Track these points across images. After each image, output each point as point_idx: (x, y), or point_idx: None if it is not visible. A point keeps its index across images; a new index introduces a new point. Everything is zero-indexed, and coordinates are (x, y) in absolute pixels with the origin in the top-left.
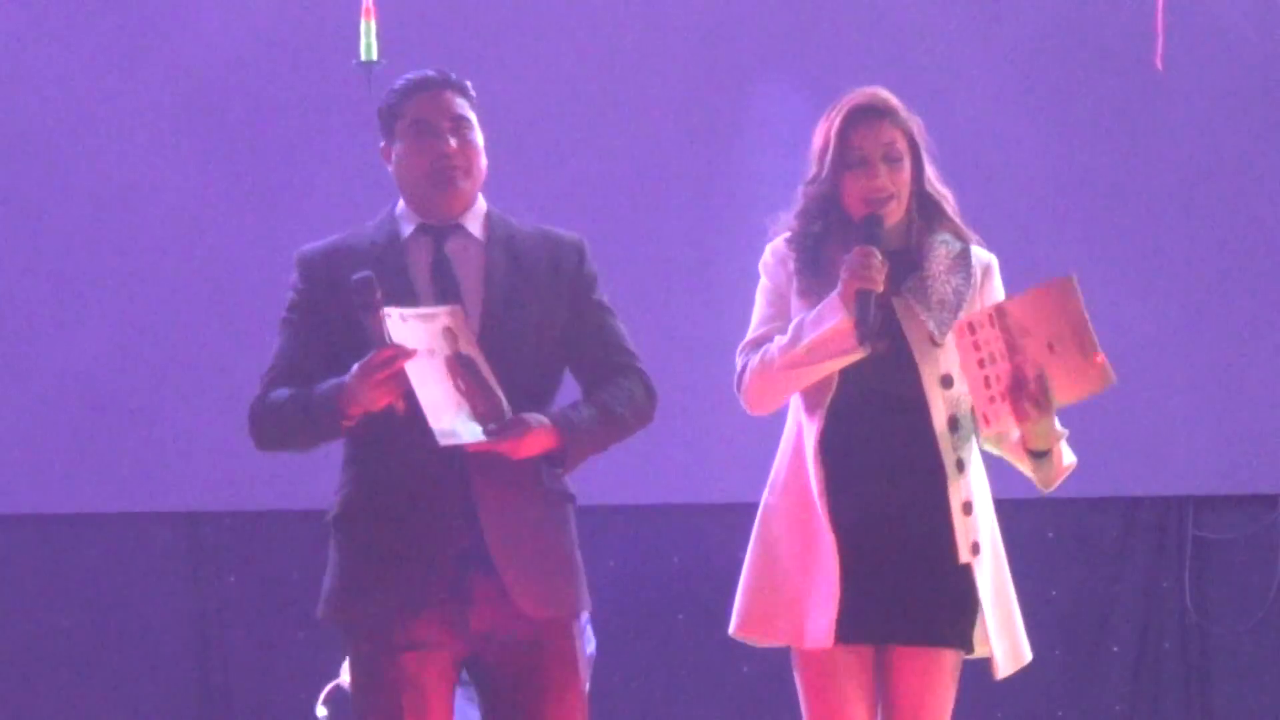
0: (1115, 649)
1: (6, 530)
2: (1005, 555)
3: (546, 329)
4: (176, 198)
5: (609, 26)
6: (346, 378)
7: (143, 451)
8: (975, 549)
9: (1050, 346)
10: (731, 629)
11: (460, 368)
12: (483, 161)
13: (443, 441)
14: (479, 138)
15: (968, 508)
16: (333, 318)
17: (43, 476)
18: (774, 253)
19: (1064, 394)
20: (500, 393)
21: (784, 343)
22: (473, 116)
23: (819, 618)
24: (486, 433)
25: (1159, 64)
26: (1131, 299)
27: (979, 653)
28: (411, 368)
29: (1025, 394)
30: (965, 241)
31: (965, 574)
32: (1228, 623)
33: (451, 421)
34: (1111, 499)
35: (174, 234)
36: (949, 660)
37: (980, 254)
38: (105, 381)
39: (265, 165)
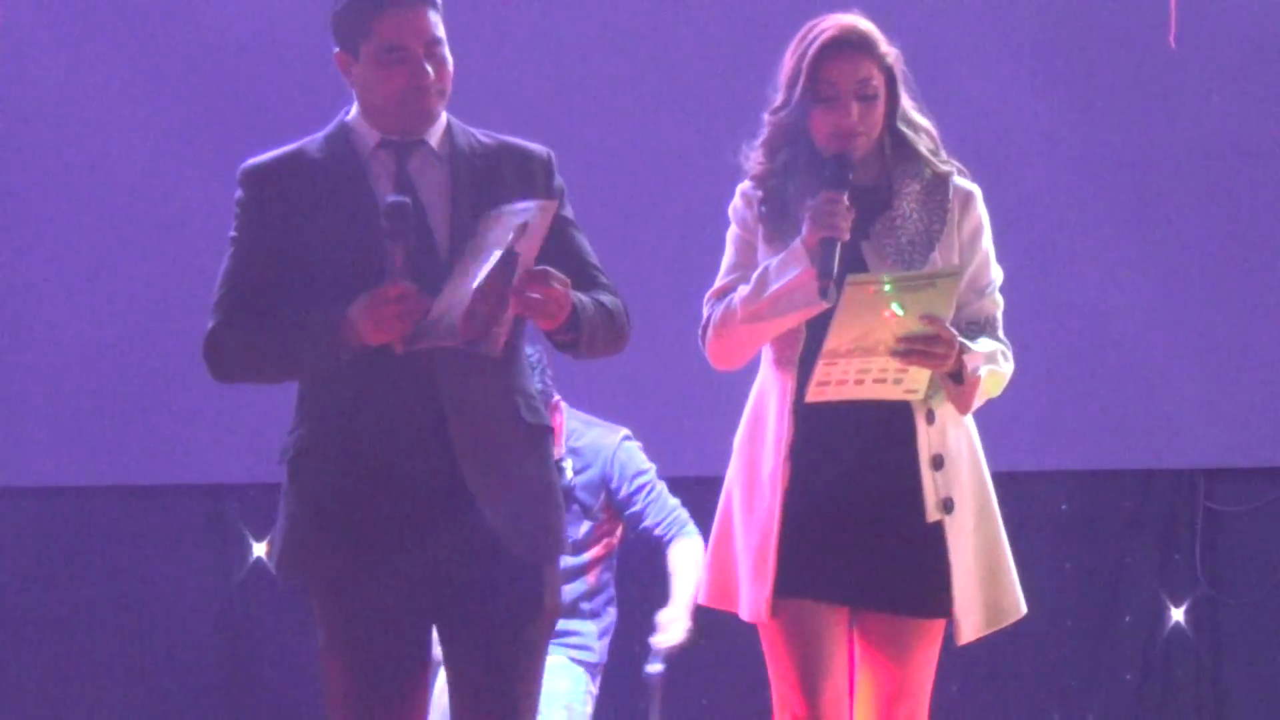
0: (1127, 619)
1: (33, 502)
2: (997, 513)
3: None
4: (206, 173)
5: None
6: (351, 309)
7: (167, 424)
8: (947, 505)
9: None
10: (702, 599)
11: (500, 268)
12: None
13: (409, 345)
14: (449, 56)
15: (938, 461)
16: (288, 233)
17: (67, 449)
18: (743, 196)
19: (934, 321)
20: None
21: (746, 294)
22: (443, 33)
23: (756, 589)
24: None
25: (1172, 42)
26: (1144, 276)
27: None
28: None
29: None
30: (943, 174)
31: (935, 532)
32: (1238, 593)
33: (435, 317)
34: (1125, 471)
35: (197, 210)
36: (925, 630)
37: (961, 185)
38: (131, 354)
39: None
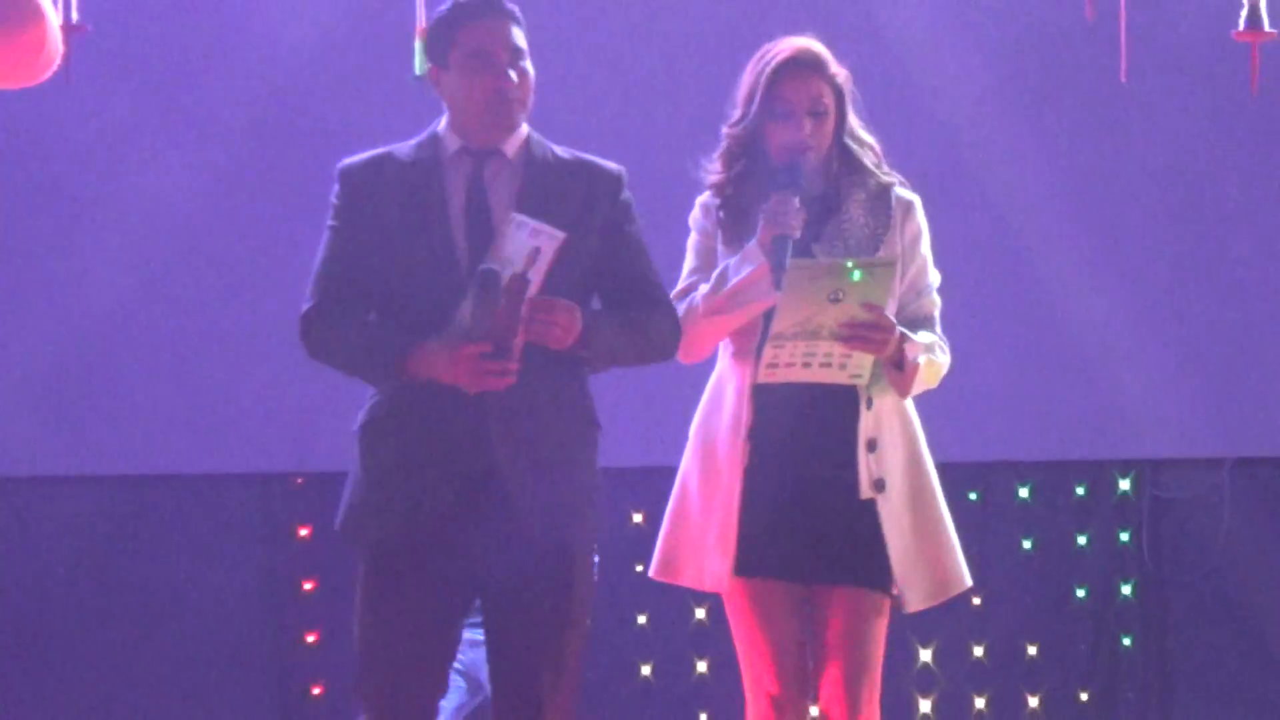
0: (1080, 595)
1: (87, 491)
2: (935, 490)
3: (576, 256)
4: (256, 186)
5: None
6: (427, 349)
7: (217, 415)
8: (879, 485)
9: (833, 301)
10: (650, 572)
11: (486, 285)
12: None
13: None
14: (530, 66)
15: (872, 444)
16: (372, 228)
17: (120, 439)
18: (702, 207)
19: (870, 310)
20: (520, 332)
21: (707, 291)
22: (525, 45)
23: (718, 560)
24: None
25: (1123, 76)
26: (1098, 286)
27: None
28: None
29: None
30: (886, 185)
31: (870, 509)
32: (1180, 572)
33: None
34: (1079, 462)
35: (244, 216)
36: (874, 602)
37: (902, 194)
38: (184, 350)
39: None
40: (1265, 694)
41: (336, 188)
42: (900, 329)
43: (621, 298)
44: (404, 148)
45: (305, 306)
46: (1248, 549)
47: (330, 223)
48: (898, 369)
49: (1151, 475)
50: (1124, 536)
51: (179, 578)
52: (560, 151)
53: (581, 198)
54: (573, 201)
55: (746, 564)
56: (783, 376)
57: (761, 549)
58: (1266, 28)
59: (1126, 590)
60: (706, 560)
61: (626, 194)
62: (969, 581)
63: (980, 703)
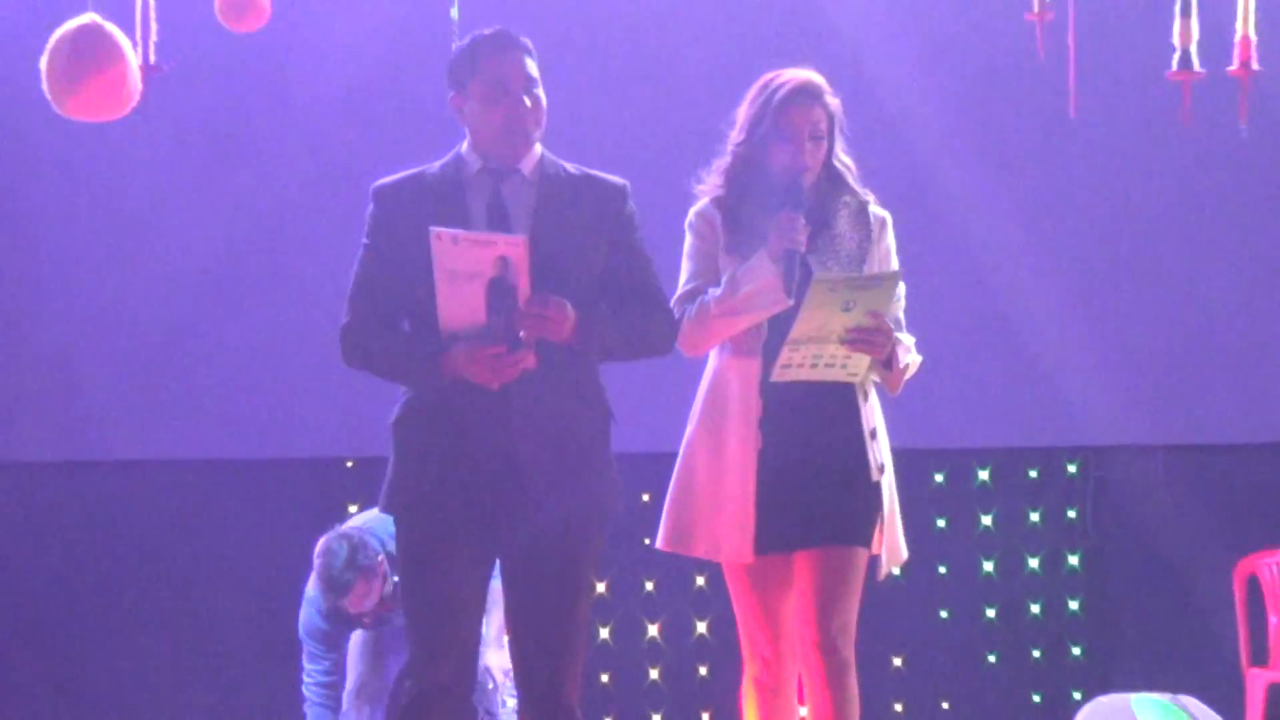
0: (1033, 565)
1: (157, 474)
2: (893, 469)
3: (586, 263)
4: (308, 203)
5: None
6: (455, 352)
7: (275, 406)
8: (881, 469)
9: (845, 310)
10: (657, 543)
11: (496, 293)
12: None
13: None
14: (542, 93)
15: (873, 433)
16: (404, 241)
17: (187, 427)
18: (700, 215)
19: (874, 317)
20: (519, 327)
21: (719, 295)
22: (537, 74)
23: (738, 536)
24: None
25: (1072, 112)
26: (1050, 295)
27: (875, 550)
28: (446, 284)
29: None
30: (864, 202)
31: (875, 489)
32: (1120, 544)
33: (461, 334)
34: (1031, 448)
35: (300, 227)
36: (859, 556)
37: (876, 211)
38: (244, 346)
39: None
40: (1191, 649)
41: (371, 206)
42: (895, 334)
43: (624, 299)
44: (431, 169)
45: (344, 321)
46: (1178, 524)
47: (364, 240)
48: (887, 368)
49: (1095, 460)
50: (1071, 514)
51: (239, 554)
52: (570, 168)
53: (591, 210)
54: (585, 214)
55: (763, 542)
56: (793, 376)
57: (773, 526)
58: (1196, 68)
59: (1074, 560)
60: (722, 535)
61: (630, 205)
62: (906, 554)
63: (945, 658)
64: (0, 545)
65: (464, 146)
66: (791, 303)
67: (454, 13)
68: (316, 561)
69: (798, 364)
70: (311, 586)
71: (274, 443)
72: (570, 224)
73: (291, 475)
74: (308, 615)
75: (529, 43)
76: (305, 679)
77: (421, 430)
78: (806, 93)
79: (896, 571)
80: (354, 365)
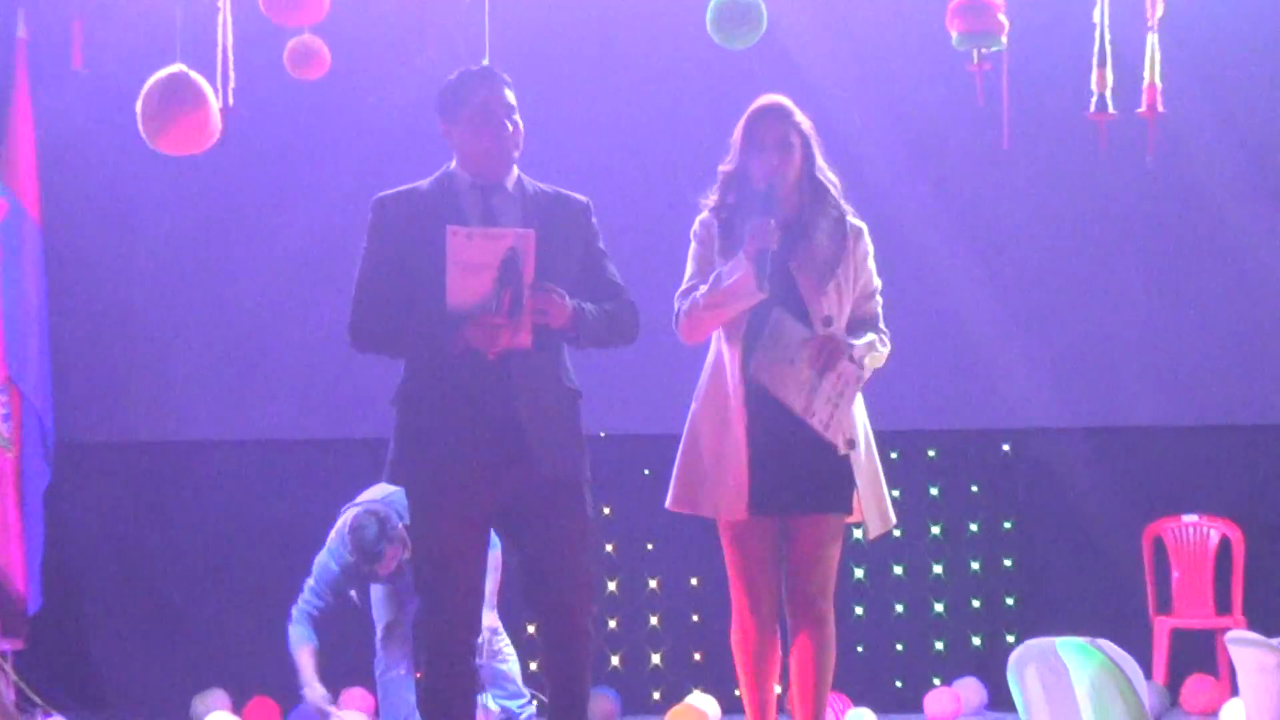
0: (973, 528)
1: (240, 453)
2: (876, 451)
3: (565, 264)
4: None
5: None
6: (463, 327)
7: (327, 391)
8: (851, 444)
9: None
10: (667, 504)
11: (505, 280)
12: (521, 141)
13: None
14: (521, 123)
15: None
16: (402, 244)
17: (268, 409)
18: (702, 224)
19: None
20: (527, 310)
21: (706, 290)
22: (515, 103)
23: (733, 496)
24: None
25: (1005, 144)
26: (991, 302)
27: (858, 518)
28: (458, 274)
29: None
30: (843, 213)
31: (844, 462)
32: (1045, 511)
33: (469, 315)
34: (972, 430)
35: (358, 233)
36: (835, 522)
37: (853, 222)
38: (314, 339)
39: None
40: (1106, 599)
41: (371, 216)
42: (845, 340)
43: (594, 293)
44: (422, 185)
45: (349, 318)
46: (1095, 495)
47: (365, 245)
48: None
49: (1025, 440)
50: (1005, 486)
51: (312, 525)
52: (543, 186)
53: (567, 221)
54: (562, 223)
55: (755, 504)
56: (835, 418)
57: (765, 493)
58: (1110, 110)
59: (1007, 525)
60: (721, 496)
61: (594, 218)
62: (894, 519)
63: (899, 608)
64: (105, 513)
65: (452, 165)
66: (764, 295)
67: (485, 62)
68: (349, 536)
69: (825, 413)
70: (335, 541)
71: (326, 424)
72: (551, 232)
73: (352, 453)
74: (325, 563)
75: (508, 77)
76: (300, 604)
77: (425, 405)
78: (771, 110)
79: (896, 533)
80: (364, 349)
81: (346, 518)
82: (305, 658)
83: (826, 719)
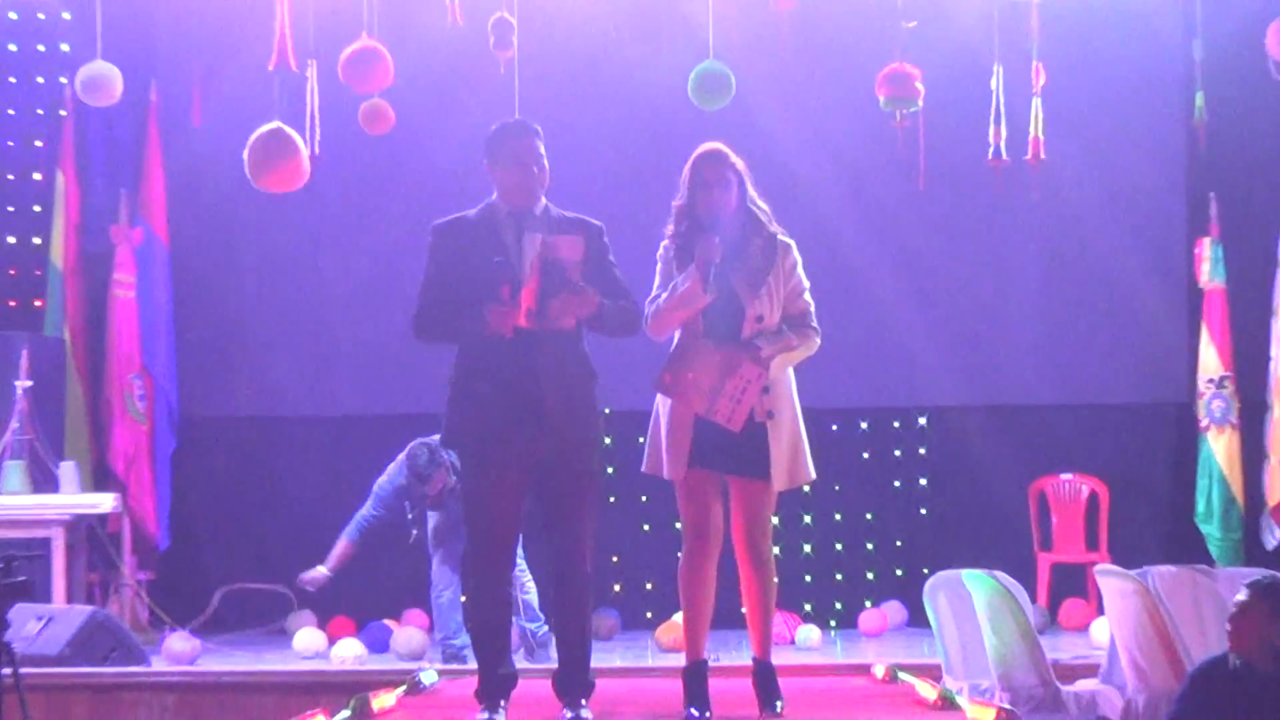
0: (896, 484)
1: (309, 427)
2: (801, 422)
3: (586, 273)
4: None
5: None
6: (486, 313)
7: (394, 374)
8: (770, 414)
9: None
10: (643, 469)
11: (546, 272)
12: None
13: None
14: (547, 164)
15: (766, 389)
16: (452, 260)
17: (352, 389)
18: (665, 248)
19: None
20: (570, 299)
21: (668, 296)
22: (544, 150)
23: (676, 458)
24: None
25: (921, 185)
26: (908, 304)
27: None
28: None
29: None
30: (773, 233)
31: (762, 429)
32: (954, 471)
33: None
34: (896, 407)
35: (414, 253)
36: (762, 484)
37: (782, 239)
38: (372, 335)
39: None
40: (1001, 539)
41: (431, 239)
42: (753, 345)
43: (608, 295)
44: (470, 213)
45: (414, 312)
46: (992, 458)
47: (428, 262)
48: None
49: (937, 415)
50: (922, 450)
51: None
52: (565, 212)
53: (584, 240)
54: (574, 246)
55: (694, 460)
56: (732, 414)
57: (704, 453)
58: (1004, 157)
59: (923, 482)
60: (672, 459)
61: (605, 238)
62: (814, 475)
63: (838, 546)
64: (217, 472)
65: (494, 197)
66: (711, 297)
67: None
68: (405, 460)
69: (727, 410)
70: (394, 469)
71: (388, 402)
72: (568, 249)
73: (404, 425)
74: (383, 483)
75: (539, 128)
76: (356, 516)
77: (471, 384)
78: (712, 153)
79: (805, 488)
80: (423, 338)
81: (410, 448)
82: (339, 548)
83: (780, 634)
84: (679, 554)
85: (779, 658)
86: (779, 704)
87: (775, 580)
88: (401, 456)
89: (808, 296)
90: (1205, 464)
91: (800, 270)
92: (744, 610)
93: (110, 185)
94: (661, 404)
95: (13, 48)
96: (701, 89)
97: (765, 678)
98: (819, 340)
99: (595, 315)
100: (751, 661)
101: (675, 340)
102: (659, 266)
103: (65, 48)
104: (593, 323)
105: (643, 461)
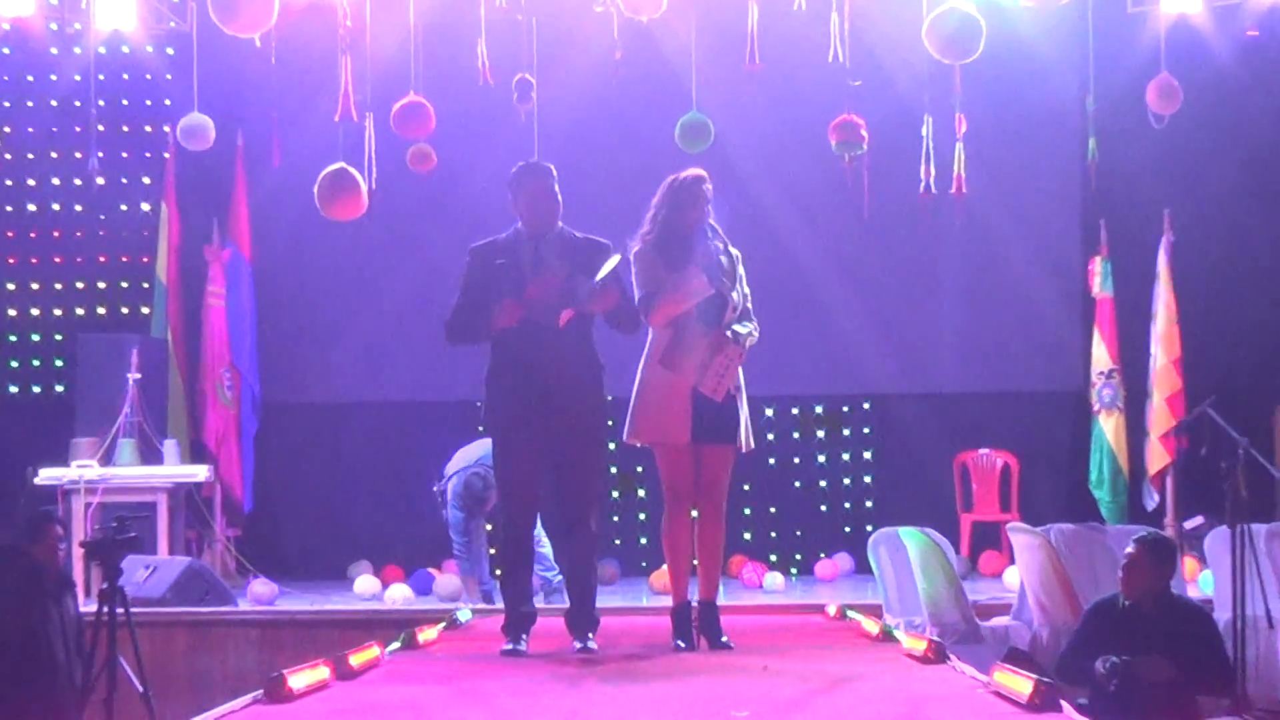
0: (845, 457)
1: (373, 411)
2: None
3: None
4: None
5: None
6: (495, 312)
7: (447, 366)
8: (738, 389)
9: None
10: (624, 438)
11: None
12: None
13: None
14: (560, 197)
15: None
16: (483, 278)
17: (405, 377)
18: (641, 254)
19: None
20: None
21: (671, 291)
22: (557, 186)
23: (680, 430)
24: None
25: (865, 214)
26: (855, 308)
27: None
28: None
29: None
30: (725, 242)
31: (734, 408)
32: (892, 447)
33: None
34: (845, 394)
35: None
36: (730, 450)
37: (732, 250)
38: (423, 331)
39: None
40: (930, 501)
41: (467, 258)
42: (734, 330)
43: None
44: (500, 236)
45: (446, 319)
46: (922, 436)
47: (462, 278)
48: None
49: (879, 402)
50: (866, 430)
51: (423, 456)
52: (577, 233)
53: (595, 255)
54: (593, 256)
55: (694, 434)
56: (718, 381)
57: (691, 427)
58: (933, 191)
59: (867, 455)
60: (671, 428)
61: (616, 254)
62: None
63: (798, 508)
64: (293, 449)
65: (519, 224)
66: (713, 291)
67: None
68: (463, 491)
69: (713, 383)
70: (453, 500)
71: (434, 391)
72: (588, 260)
73: (446, 410)
74: (454, 517)
75: (553, 169)
76: (455, 552)
77: (499, 379)
78: (696, 177)
79: (771, 460)
80: (451, 340)
81: (456, 481)
82: (469, 585)
83: (751, 580)
84: (663, 514)
85: (750, 599)
86: (725, 639)
87: (725, 531)
88: (454, 486)
89: (746, 288)
90: (1097, 440)
91: (743, 271)
92: (696, 562)
93: (204, 214)
94: (652, 380)
95: (125, 102)
96: (686, 135)
97: (712, 616)
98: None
99: (615, 309)
100: (698, 604)
101: (663, 331)
102: (637, 266)
103: (168, 102)
104: (611, 315)
105: (626, 430)
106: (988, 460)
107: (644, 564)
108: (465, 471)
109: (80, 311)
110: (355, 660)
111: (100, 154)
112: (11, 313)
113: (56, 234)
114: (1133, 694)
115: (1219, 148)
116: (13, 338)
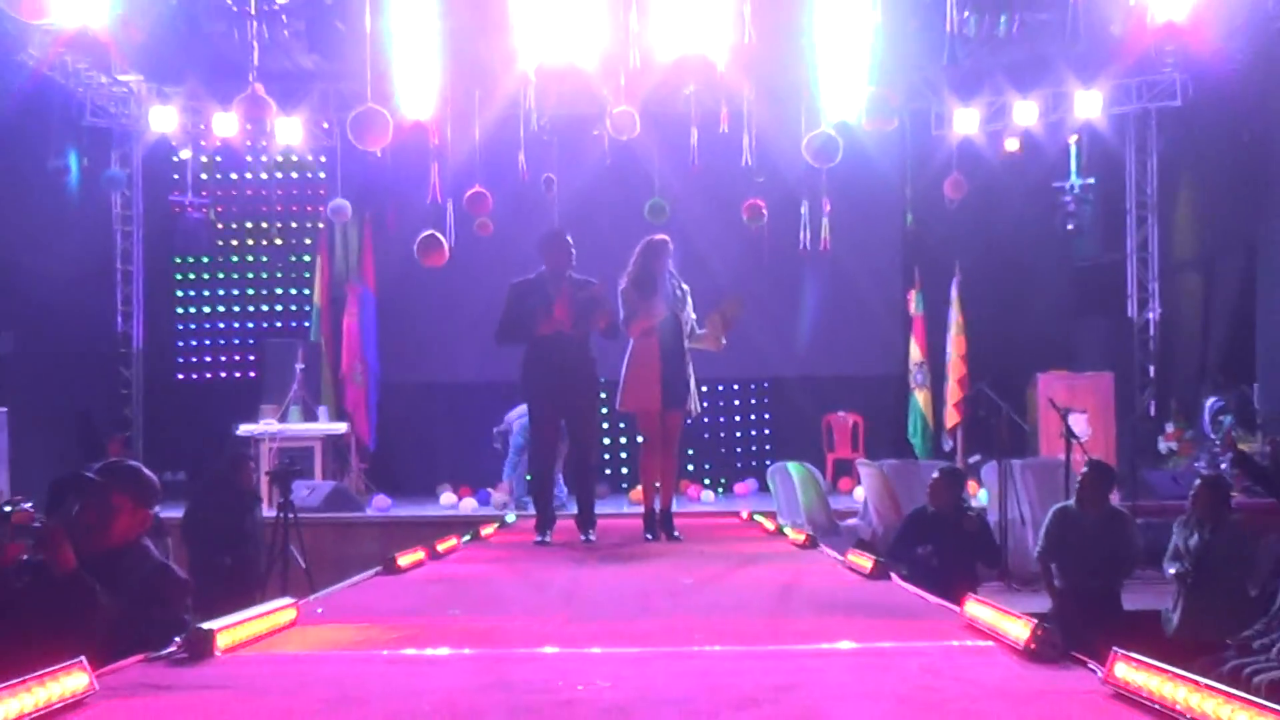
0: (753, 417)
1: (455, 390)
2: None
3: (590, 304)
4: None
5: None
6: (539, 319)
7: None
8: (690, 376)
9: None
10: (617, 407)
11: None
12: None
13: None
14: (573, 250)
15: (691, 366)
16: (518, 300)
17: (456, 361)
18: (624, 290)
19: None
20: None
21: (642, 313)
22: (571, 242)
23: (654, 401)
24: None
25: (826, 246)
26: (767, 310)
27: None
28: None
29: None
30: (679, 282)
31: (686, 383)
32: (786, 412)
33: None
34: (754, 376)
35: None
36: (681, 414)
37: (684, 286)
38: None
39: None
40: (805, 444)
41: (508, 290)
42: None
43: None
44: (532, 275)
45: (495, 330)
46: (802, 406)
47: (505, 302)
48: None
49: (776, 381)
50: (766, 400)
51: (484, 414)
52: (576, 275)
53: (589, 292)
54: (589, 290)
55: (663, 403)
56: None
57: (662, 397)
58: (808, 248)
59: (768, 416)
60: (649, 399)
61: (601, 287)
62: (700, 408)
63: (723, 450)
64: (401, 409)
65: (543, 267)
66: (665, 314)
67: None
68: (526, 430)
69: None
70: (522, 434)
71: (490, 374)
72: (583, 294)
73: (497, 389)
74: (516, 443)
75: (570, 238)
76: (507, 465)
77: (529, 370)
78: (661, 240)
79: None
80: (498, 342)
81: (522, 424)
82: (511, 487)
83: (691, 494)
84: (639, 453)
85: (690, 509)
86: (677, 534)
87: (677, 466)
88: (513, 413)
89: (695, 316)
90: (913, 407)
91: (690, 300)
92: (657, 485)
93: (343, 262)
94: (638, 362)
95: (295, 191)
96: (652, 211)
97: (668, 519)
98: None
99: (609, 325)
100: (659, 511)
101: (638, 339)
102: (621, 297)
103: (322, 191)
104: (605, 330)
105: (618, 401)
106: (843, 419)
107: (624, 486)
108: (524, 419)
109: (266, 324)
110: (441, 547)
111: (279, 224)
112: (221, 325)
113: (250, 275)
114: (939, 570)
115: (990, 220)
116: (221, 341)
